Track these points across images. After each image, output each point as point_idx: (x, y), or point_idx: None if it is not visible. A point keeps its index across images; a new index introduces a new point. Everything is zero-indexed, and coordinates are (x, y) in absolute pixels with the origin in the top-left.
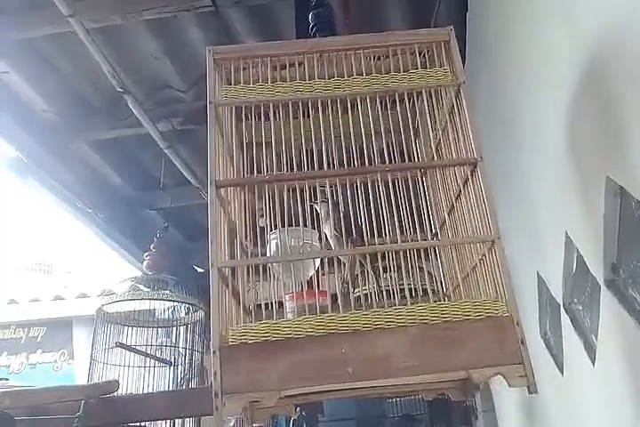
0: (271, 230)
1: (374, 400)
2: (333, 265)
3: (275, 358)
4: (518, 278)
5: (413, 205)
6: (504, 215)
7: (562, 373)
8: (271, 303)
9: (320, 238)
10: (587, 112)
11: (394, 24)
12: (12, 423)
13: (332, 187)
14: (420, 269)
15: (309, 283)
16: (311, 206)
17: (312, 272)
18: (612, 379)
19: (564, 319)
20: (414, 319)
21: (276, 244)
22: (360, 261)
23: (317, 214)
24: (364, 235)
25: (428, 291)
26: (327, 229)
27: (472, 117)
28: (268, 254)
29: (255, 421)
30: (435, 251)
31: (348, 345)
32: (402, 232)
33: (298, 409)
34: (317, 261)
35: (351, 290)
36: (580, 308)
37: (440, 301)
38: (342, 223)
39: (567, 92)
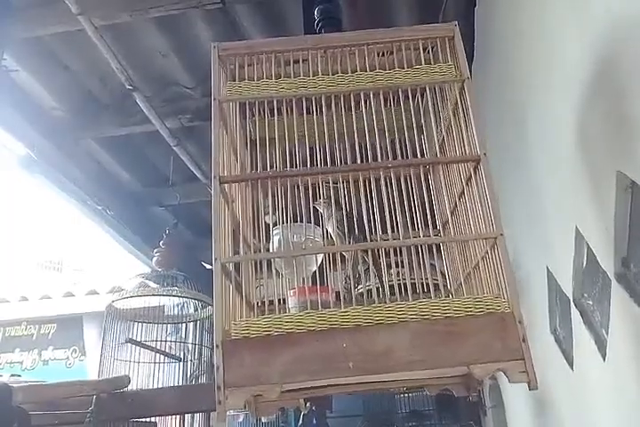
0: (274, 226)
1: (382, 396)
2: (336, 262)
3: (277, 352)
4: (528, 273)
5: (417, 203)
6: (514, 211)
7: (572, 368)
8: (275, 299)
9: (323, 235)
10: (597, 107)
11: (401, 19)
12: (27, 418)
13: (335, 184)
14: (423, 265)
15: (313, 279)
16: (314, 207)
17: (314, 268)
18: (622, 374)
19: (574, 314)
20: (415, 315)
21: (279, 239)
22: (363, 258)
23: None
24: (367, 232)
25: (431, 287)
26: (330, 227)
27: (476, 114)
28: (271, 250)
29: (261, 414)
30: (438, 248)
31: (350, 340)
32: (405, 229)
33: (308, 404)
34: (320, 257)
35: (353, 286)
36: (591, 302)
37: (443, 297)
38: (345, 220)
39: (578, 86)
